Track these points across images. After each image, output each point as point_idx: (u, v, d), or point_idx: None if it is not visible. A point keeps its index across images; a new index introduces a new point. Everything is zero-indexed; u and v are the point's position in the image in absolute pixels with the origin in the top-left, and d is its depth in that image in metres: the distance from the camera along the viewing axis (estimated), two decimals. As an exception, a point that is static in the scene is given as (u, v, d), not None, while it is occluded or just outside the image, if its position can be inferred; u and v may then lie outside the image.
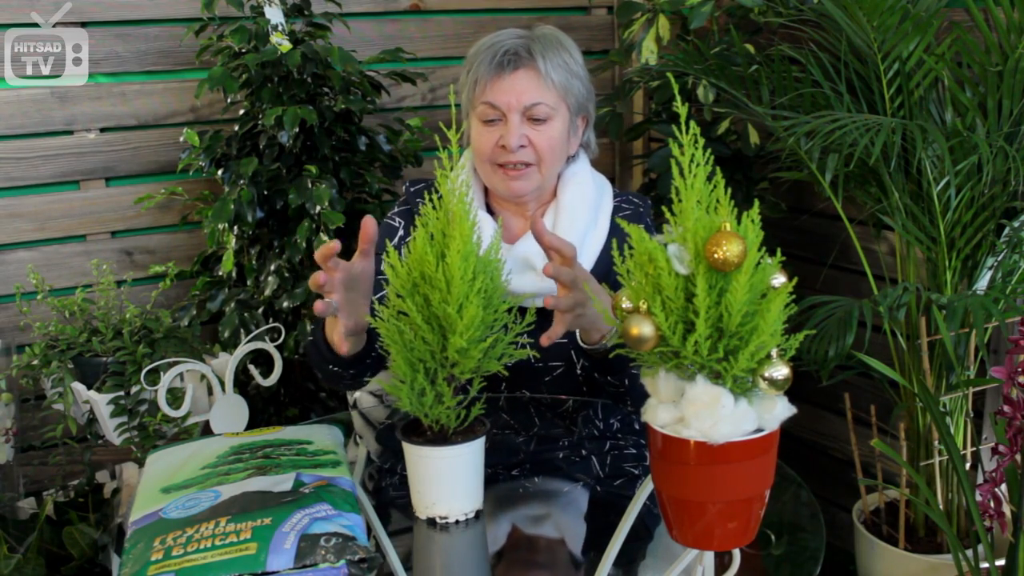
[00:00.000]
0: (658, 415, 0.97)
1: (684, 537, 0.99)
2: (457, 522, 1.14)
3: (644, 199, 1.60)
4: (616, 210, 1.55)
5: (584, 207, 1.50)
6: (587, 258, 1.50)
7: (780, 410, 0.96)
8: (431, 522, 1.14)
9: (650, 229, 1.56)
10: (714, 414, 0.92)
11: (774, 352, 0.94)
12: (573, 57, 1.49)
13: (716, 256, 0.90)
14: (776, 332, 0.94)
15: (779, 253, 0.97)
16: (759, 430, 0.95)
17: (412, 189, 1.61)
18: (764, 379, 0.93)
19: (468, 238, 1.07)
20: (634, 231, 0.97)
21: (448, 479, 1.13)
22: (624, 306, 0.96)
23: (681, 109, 0.92)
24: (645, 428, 0.94)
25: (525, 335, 1.15)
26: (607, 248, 1.51)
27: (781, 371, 0.93)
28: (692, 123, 0.92)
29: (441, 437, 1.13)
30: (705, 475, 0.94)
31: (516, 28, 1.49)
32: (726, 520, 0.96)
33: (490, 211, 1.56)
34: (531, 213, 1.53)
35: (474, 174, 1.54)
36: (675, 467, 0.96)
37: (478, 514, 1.15)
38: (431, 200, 1.10)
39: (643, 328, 0.93)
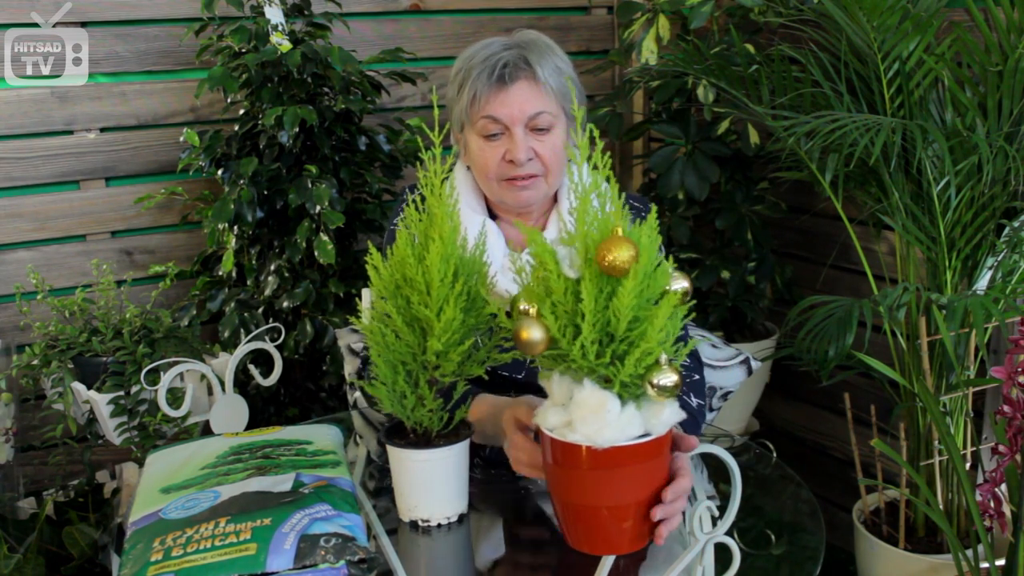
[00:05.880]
0: (548, 418, 0.97)
1: (578, 542, 0.99)
2: (439, 526, 1.13)
3: (645, 202, 1.59)
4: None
5: None
6: None
7: (668, 415, 0.95)
8: (413, 525, 1.14)
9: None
10: (600, 419, 0.92)
11: (663, 358, 0.93)
12: (563, 59, 1.47)
13: (606, 261, 0.90)
14: (666, 339, 0.94)
15: (671, 259, 0.97)
16: (647, 435, 0.94)
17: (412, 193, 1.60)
18: (653, 385, 0.92)
19: (449, 240, 1.06)
20: (534, 233, 0.97)
21: (430, 482, 1.12)
22: (520, 308, 0.97)
23: (578, 112, 0.93)
24: None
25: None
26: None
27: (670, 378, 0.92)
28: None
29: (424, 440, 1.12)
30: (593, 479, 0.94)
31: (500, 37, 1.47)
32: (619, 522, 0.97)
33: (492, 217, 1.55)
34: (534, 220, 1.53)
35: (474, 183, 1.53)
36: (564, 471, 0.96)
37: (461, 518, 1.15)
38: (414, 202, 1.10)
39: (532, 332, 0.94)
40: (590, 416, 0.93)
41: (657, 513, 0.99)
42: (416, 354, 1.08)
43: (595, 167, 0.96)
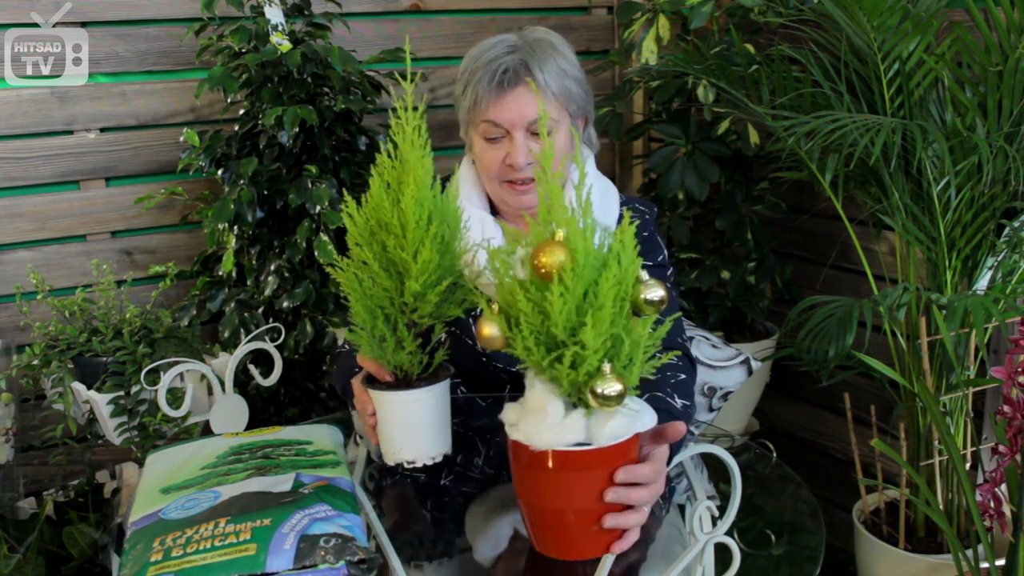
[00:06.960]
0: (507, 412, 0.99)
1: (532, 537, 1.01)
2: (424, 466, 1.15)
3: (651, 206, 1.59)
4: (623, 218, 1.54)
5: None
6: None
7: (612, 428, 0.94)
8: (399, 469, 1.15)
9: (652, 237, 1.55)
10: (540, 421, 0.93)
11: (607, 367, 0.91)
12: (568, 59, 1.47)
13: (536, 264, 0.91)
14: (610, 347, 0.92)
15: (638, 266, 0.98)
16: (587, 443, 0.94)
17: None
18: (594, 394, 0.90)
19: (423, 184, 1.08)
20: (516, 234, 0.98)
21: (413, 423, 1.14)
22: (488, 304, 0.99)
23: (544, 116, 0.93)
24: None
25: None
26: None
27: (613, 387, 0.90)
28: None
29: (405, 382, 1.14)
30: (533, 479, 0.97)
31: (508, 35, 1.47)
32: (561, 526, 0.97)
33: (495, 213, 1.55)
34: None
35: (477, 178, 1.53)
36: (516, 467, 0.99)
37: (446, 458, 1.16)
38: (387, 151, 1.11)
39: (488, 328, 0.96)
40: (531, 416, 0.94)
41: (607, 520, 0.96)
42: (394, 298, 1.10)
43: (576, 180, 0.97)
